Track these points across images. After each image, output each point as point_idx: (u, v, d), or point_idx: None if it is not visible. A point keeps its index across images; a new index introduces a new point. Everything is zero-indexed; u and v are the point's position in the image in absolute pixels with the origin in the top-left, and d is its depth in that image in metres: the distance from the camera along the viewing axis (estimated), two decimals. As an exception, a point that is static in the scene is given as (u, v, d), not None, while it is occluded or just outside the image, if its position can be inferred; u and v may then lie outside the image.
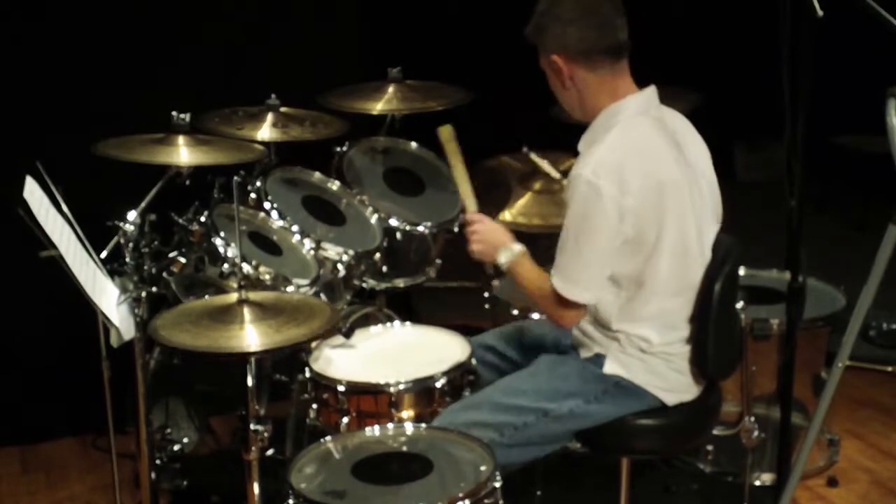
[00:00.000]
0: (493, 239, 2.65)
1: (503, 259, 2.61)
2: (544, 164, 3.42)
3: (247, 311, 2.42)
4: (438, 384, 2.65)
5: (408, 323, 3.06)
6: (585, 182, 2.38)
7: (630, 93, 2.50)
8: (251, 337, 2.36)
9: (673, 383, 2.57)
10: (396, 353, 2.87)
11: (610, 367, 2.55)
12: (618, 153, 2.41)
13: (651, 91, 2.54)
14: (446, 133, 2.78)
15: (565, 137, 3.27)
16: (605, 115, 2.49)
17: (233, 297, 2.47)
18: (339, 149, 3.51)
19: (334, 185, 3.41)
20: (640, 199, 2.38)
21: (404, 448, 2.40)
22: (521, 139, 3.56)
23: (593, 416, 2.55)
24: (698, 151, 2.60)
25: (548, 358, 2.72)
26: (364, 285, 3.32)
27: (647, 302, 2.50)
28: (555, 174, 3.47)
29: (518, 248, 2.62)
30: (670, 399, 2.58)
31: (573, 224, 2.43)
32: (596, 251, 2.43)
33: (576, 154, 2.53)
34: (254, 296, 2.49)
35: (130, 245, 2.80)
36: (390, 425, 2.51)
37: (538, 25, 2.49)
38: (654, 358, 2.54)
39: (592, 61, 2.46)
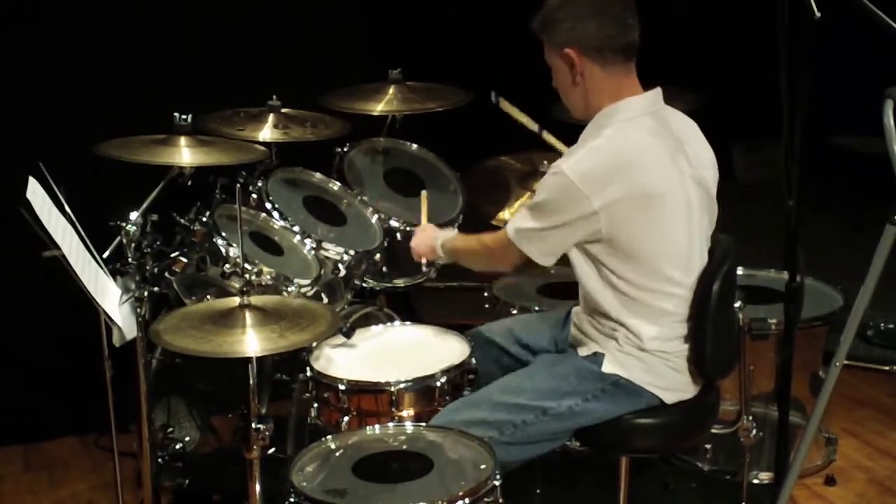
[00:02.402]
0: (426, 236, 2.94)
1: (448, 238, 2.86)
2: (558, 144, 3.38)
3: (249, 316, 2.42)
4: (439, 383, 2.66)
5: (408, 323, 3.07)
6: (562, 174, 2.41)
7: (633, 94, 2.51)
8: (253, 342, 2.36)
9: (671, 382, 2.58)
10: (397, 353, 2.88)
11: (608, 366, 2.56)
12: (600, 155, 2.43)
13: (655, 93, 2.55)
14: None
15: (565, 137, 3.30)
16: (602, 115, 2.50)
17: (235, 301, 2.47)
18: (339, 149, 3.52)
19: (335, 185, 3.42)
20: (613, 203, 2.39)
21: (405, 447, 2.41)
22: (523, 135, 3.56)
23: (592, 414, 2.56)
24: (703, 154, 2.61)
25: (547, 357, 2.73)
26: (364, 285, 3.33)
27: (643, 300, 2.51)
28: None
29: (450, 230, 2.96)
30: (669, 398, 2.58)
31: (540, 204, 2.47)
32: (556, 233, 2.47)
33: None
34: (256, 300, 2.49)
35: (132, 245, 2.80)
36: (391, 424, 2.52)
37: (551, 19, 2.50)
38: (652, 356, 2.55)
39: (605, 58, 2.47)
